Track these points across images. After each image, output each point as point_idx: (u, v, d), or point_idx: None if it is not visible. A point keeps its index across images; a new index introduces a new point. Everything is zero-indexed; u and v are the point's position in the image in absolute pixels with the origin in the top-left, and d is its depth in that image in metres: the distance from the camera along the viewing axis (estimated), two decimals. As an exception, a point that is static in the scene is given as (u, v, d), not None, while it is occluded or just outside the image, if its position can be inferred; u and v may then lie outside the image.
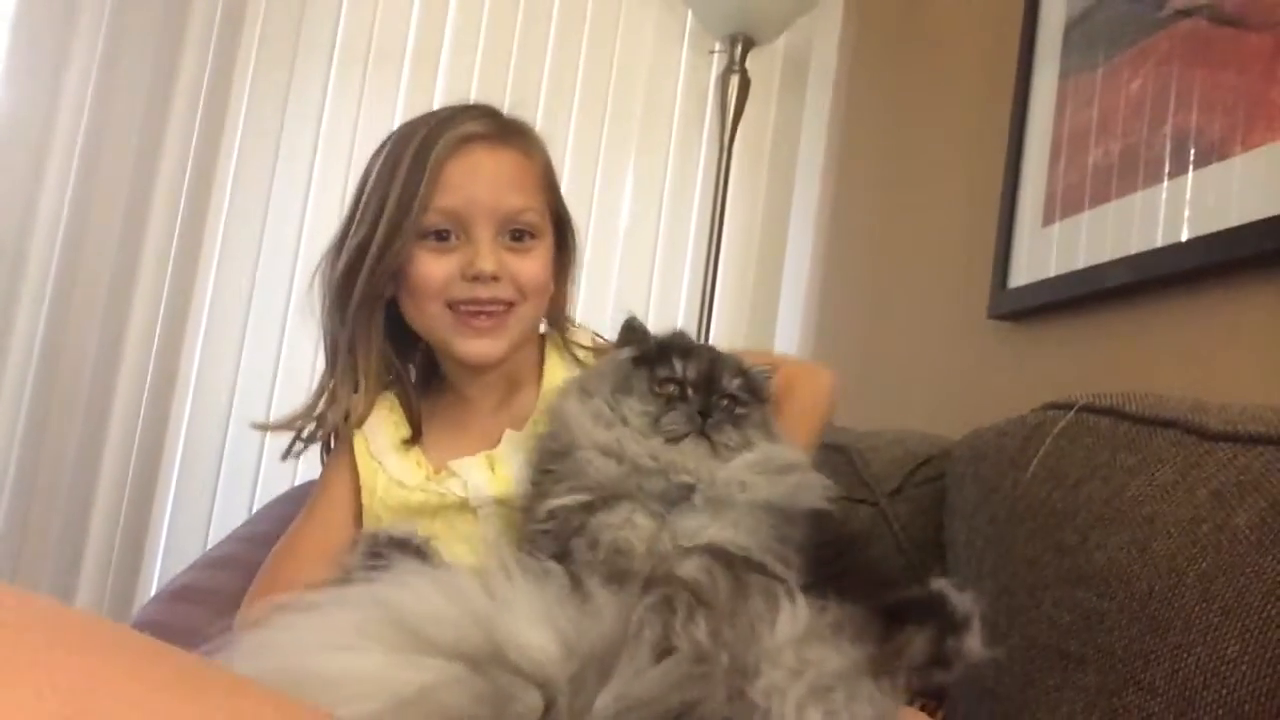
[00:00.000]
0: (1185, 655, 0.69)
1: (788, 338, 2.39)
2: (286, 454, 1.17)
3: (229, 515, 2.21)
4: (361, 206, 1.07)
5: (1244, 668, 0.66)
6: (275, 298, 2.32)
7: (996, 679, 0.90)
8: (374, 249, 1.04)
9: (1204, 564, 0.71)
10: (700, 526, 0.84)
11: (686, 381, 0.92)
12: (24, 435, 2.12)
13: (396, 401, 1.12)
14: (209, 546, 2.16)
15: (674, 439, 0.88)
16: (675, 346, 0.95)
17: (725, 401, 0.91)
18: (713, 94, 2.39)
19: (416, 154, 1.03)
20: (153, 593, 2.14)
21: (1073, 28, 1.43)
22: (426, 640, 0.62)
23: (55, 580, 2.12)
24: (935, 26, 1.98)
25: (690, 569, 0.78)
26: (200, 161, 2.27)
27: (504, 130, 1.08)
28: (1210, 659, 0.67)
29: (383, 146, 1.09)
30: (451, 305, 1.05)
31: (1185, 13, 1.19)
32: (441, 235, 1.04)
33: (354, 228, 1.07)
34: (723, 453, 0.88)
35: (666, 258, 2.45)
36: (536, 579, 0.69)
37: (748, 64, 2.28)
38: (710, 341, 2.19)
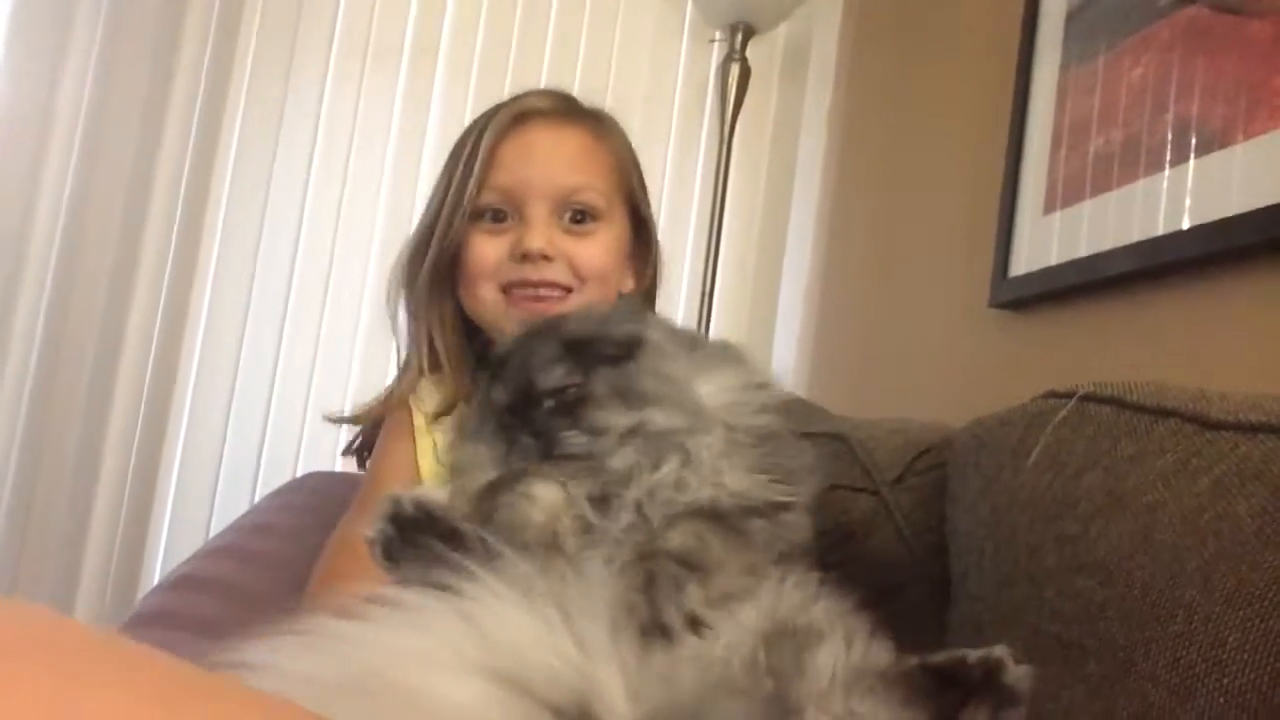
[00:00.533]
0: (1186, 644, 0.70)
1: (789, 326, 2.39)
2: (348, 450, 1.14)
3: (230, 507, 2.22)
4: (432, 192, 1.06)
5: (1245, 656, 0.66)
6: (275, 290, 2.32)
7: (998, 667, 0.90)
8: (437, 230, 1.01)
9: (1205, 553, 0.71)
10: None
11: (509, 409, 0.79)
12: (25, 428, 2.13)
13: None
14: (211, 532, 2.17)
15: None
16: (494, 368, 0.83)
17: (550, 403, 0.77)
18: (713, 83, 2.38)
19: (476, 137, 1.02)
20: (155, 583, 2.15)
21: (1074, 16, 1.43)
22: (518, 679, 0.59)
23: (58, 576, 2.12)
24: (936, 15, 1.98)
25: (676, 539, 0.73)
26: (199, 156, 2.27)
27: (570, 109, 1.06)
28: (1212, 648, 0.68)
29: None
30: (505, 289, 1.01)
31: (1186, 0, 1.19)
32: (497, 215, 1.01)
33: (424, 214, 1.06)
34: (576, 465, 0.76)
35: (667, 246, 2.41)
36: (605, 613, 0.65)
37: (748, 53, 2.27)
38: (710, 328, 2.19)
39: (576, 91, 2.43)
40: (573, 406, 0.77)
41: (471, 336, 1.08)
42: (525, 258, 1.00)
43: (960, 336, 1.65)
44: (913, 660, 0.66)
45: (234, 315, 2.30)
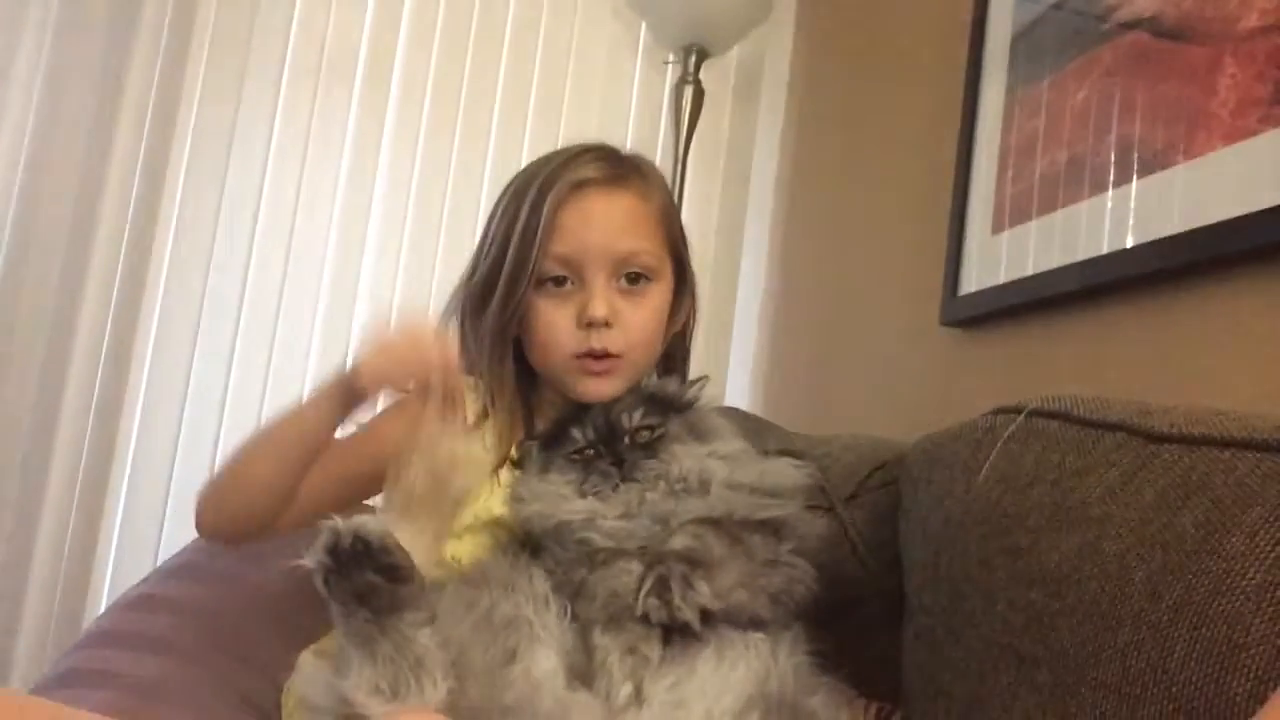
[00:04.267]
0: (1135, 653, 0.71)
1: (744, 345, 2.41)
2: None
3: (179, 531, 2.19)
4: (486, 247, 1.12)
5: (1192, 664, 0.67)
6: (226, 311, 2.30)
7: (952, 680, 0.91)
8: (498, 296, 1.08)
9: (1152, 564, 0.73)
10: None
11: (591, 443, 1.00)
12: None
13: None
14: (160, 555, 2.14)
15: (603, 497, 0.95)
16: (568, 419, 1.05)
17: (638, 435, 1.00)
18: (667, 104, 2.40)
19: (535, 200, 1.07)
20: (104, 602, 2.11)
21: (1019, 40, 1.46)
22: None
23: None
24: (886, 39, 2.01)
25: (680, 540, 0.86)
26: (148, 173, 2.24)
27: (619, 173, 1.11)
28: (1159, 656, 0.69)
29: (508, 187, 1.13)
30: (575, 355, 1.08)
31: (1128, 26, 1.22)
32: (558, 281, 1.07)
33: (478, 269, 1.12)
34: (652, 482, 0.96)
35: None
36: None
37: (701, 75, 2.29)
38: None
39: (533, 113, 2.46)
40: (655, 441, 1.00)
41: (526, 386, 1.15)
42: (590, 325, 1.06)
43: (912, 354, 1.67)
44: None
45: (183, 337, 2.28)
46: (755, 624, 0.88)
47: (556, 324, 1.08)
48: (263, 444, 1.06)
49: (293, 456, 1.03)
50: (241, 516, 1.06)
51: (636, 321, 1.09)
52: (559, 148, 1.16)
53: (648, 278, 1.10)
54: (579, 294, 1.08)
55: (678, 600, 0.82)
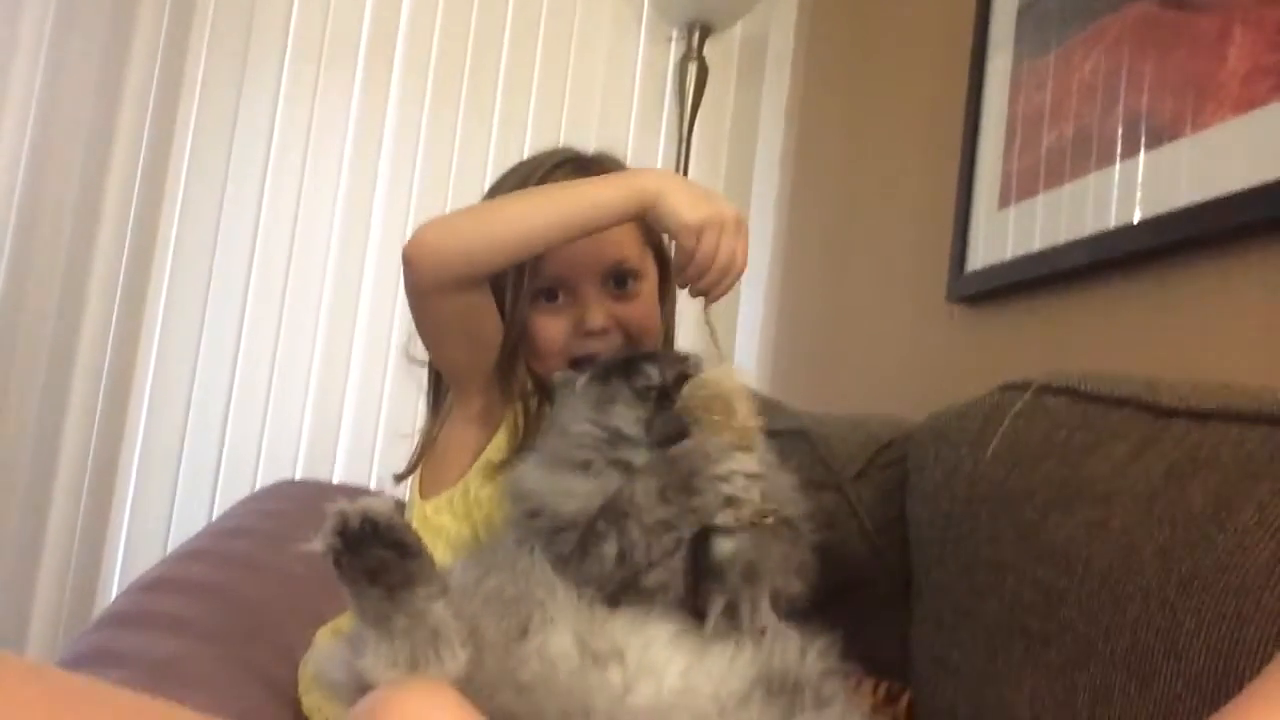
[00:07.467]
0: (1144, 628, 0.71)
1: (749, 323, 2.40)
2: (403, 477, 1.19)
3: (188, 518, 2.20)
4: None
5: (1200, 639, 0.67)
6: (232, 297, 2.31)
7: (961, 658, 0.91)
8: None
9: (1160, 538, 0.72)
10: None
11: (666, 385, 0.95)
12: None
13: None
14: (169, 544, 2.15)
15: (669, 441, 0.90)
16: (641, 356, 1.00)
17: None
18: (671, 80, 2.39)
19: None
20: (114, 590, 2.12)
21: (1025, 11, 1.45)
22: None
23: (12, 588, 2.08)
24: (890, 12, 1.99)
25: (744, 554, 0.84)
26: (151, 162, 2.24)
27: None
28: (1168, 630, 0.69)
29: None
30: (572, 360, 1.09)
31: (1135, -4, 1.21)
32: (551, 295, 1.09)
33: None
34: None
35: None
36: None
37: (705, 51, 2.28)
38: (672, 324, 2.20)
39: (536, 90, 2.44)
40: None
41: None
42: (589, 334, 1.08)
43: (918, 331, 1.67)
44: None
45: (190, 324, 2.28)
46: (788, 611, 0.88)
47: (554, 337, 1.10)
48: (538, 200, 1.04)
49: (555, 223, 1.01)
50: (463, 257, 1.01)
51: (634, 318, 1.11)
52: (526, 159, 1.17)
53: (634, 278, 1.12)
54: (573, 307, 1.09)
55: (746, 624, 0.83)
